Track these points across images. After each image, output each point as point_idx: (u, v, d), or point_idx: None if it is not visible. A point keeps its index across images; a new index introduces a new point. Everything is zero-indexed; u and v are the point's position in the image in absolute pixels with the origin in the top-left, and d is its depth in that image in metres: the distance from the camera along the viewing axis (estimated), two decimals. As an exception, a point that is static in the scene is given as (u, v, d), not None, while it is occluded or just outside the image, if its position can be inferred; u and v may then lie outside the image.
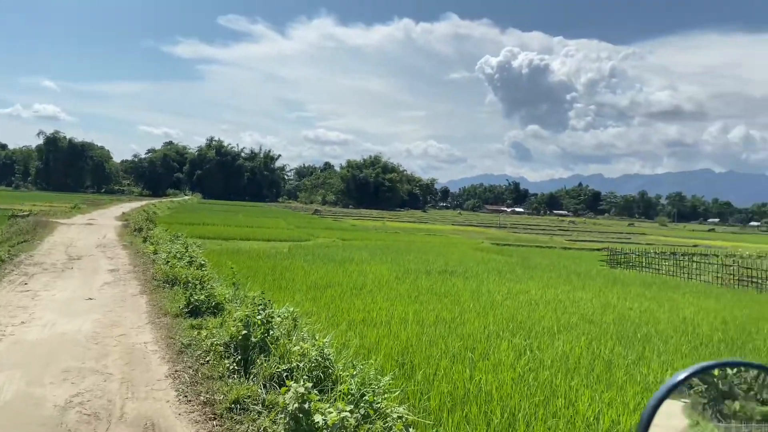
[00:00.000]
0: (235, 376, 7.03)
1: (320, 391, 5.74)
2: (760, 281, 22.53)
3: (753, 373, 1.69)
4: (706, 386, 1.68)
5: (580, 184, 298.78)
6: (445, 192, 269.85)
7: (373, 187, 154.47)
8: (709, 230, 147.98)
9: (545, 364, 8.10)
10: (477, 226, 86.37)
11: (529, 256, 31.54)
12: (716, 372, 1.69)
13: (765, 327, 12.61)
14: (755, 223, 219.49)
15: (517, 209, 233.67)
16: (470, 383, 6.84)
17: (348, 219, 76.76)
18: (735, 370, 1.71)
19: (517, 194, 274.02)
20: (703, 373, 1.67)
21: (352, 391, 5.59)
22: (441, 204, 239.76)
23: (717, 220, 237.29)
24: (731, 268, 24.61)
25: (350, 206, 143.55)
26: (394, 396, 5.76)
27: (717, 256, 33.36)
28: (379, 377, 6.02)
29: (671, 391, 1.63)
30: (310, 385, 5.23)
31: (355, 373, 6.11)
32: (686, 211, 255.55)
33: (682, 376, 1.63)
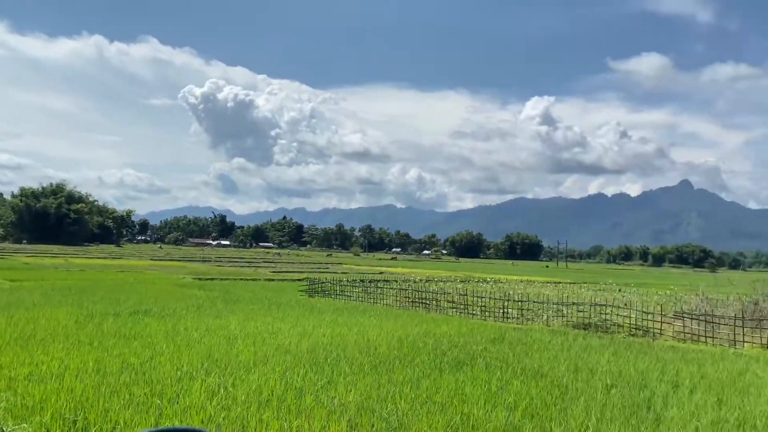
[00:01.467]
0: None
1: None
2: (428, 302, 26.55)
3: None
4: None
5: (284, 217, 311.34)
6: (145, 225, 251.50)
7: (55, 219, 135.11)
8: (392, 258, 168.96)
9: (238, 400, 8.04)
10: (179, 260, 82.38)
11: (232, 290, 31.31)
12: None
13: (430, 342, 14.78)
14: (427, 252, 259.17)
15: (224, 242, 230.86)
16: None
17: (20, 256, 65.42)
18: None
19: (223, 227, 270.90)
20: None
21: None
22: (139, 238, 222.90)
23: (399, 249, 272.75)
24: (406, 291, 28.49)
25: (24, 241, 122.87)
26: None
27: (396, 281, 38.22)
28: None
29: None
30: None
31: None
32: (375, 241, 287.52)
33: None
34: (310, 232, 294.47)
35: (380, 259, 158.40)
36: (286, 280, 47.05)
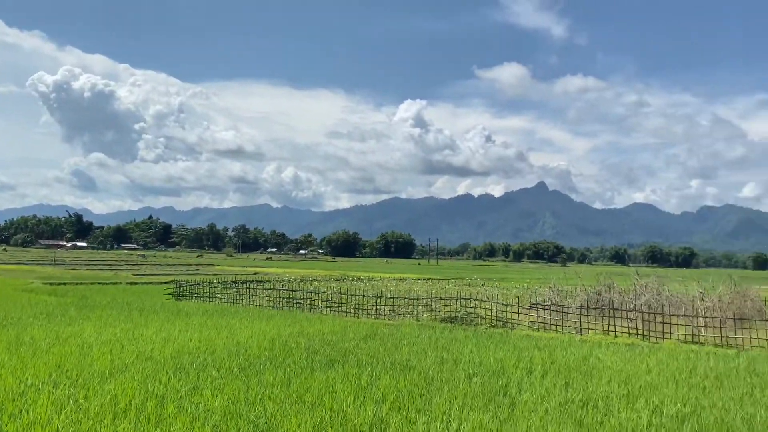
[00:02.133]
0: None
1: None
2: (302, 302, 26.42)
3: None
4: None
5: (150, 217, 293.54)
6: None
7: None
8: (267, 259, 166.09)
9: (90, 413, 7.47)
10: (27, 264, 74.71)
11: (89, 295, 28.99)
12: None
13: (302, 342, 14.72)
14: (303, 252, 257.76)
15: (80, 244, 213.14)
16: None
17: None
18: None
19: (79, 227, 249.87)
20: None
21: None
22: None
23: (275, 249, 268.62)
24: (280, 291, 28.12)
25: None
26: None
27: (270, 282, 37.57)
28: None
29: None
30: None
31: None
32: (249, 242, 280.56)
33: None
34: (179, 232, 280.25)
35: (255, 259, 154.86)
36: (151, 283, 44.43)
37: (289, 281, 38.12)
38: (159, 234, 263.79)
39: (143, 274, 57.16)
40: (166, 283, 40.34)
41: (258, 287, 29.95)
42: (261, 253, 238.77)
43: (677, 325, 19.08)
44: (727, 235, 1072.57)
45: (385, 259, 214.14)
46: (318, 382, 9.99)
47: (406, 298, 25.14)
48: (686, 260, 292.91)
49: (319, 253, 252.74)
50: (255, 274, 60.32)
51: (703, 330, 18.86)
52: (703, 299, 20.89)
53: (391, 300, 24.44)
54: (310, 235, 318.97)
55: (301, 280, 40.50)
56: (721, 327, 18.49)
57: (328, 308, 25.06)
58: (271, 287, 29.81)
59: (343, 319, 22.17)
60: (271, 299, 27.22)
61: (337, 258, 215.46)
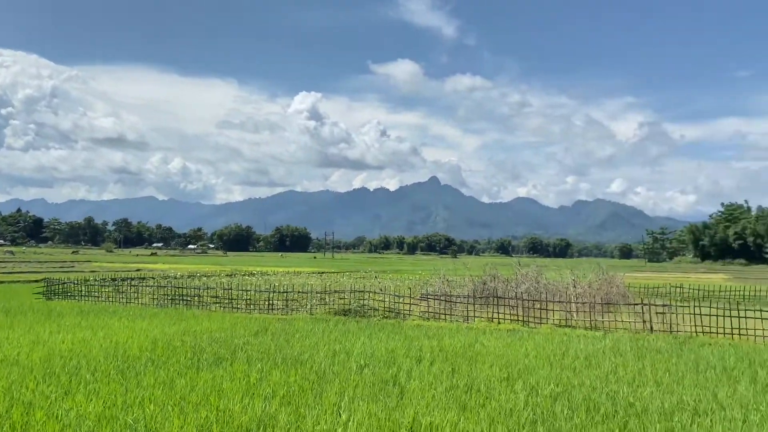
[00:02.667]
0: None
1: None
2: (189, 299, 25.32)
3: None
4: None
5: (19, 210, 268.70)
6: None
7: None
8: (152, 254, 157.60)
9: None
10: None
11: (-58, 297, 25.92)
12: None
13: (188, 341, 14.14)
14: (192, 246, 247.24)
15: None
16: None
17: None
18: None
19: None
20: None
21: None
22: None
23: (161, 244, 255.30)
24: (165, 288, 26.75)
25: None
26: None
27: (154, 278, 35.66)
28: None
29: None
30: None
31: None
32: (132, 236, 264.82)
33: None
34: (52, 226, 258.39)
35: (138, 255, 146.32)
36: (19, 282, 40.65)
37: (176, 277, 36.41)
38: (29, 228, 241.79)
39: (10, 272, 52.11)
40: (36, 281, 37.09)
41: (140, 284, 28.33)
42: (145, 248, 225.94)
43: (553, 310, 20.50)
44: (598, 227, 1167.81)
45: (280, 254, 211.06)
46: (204, 381, 9.65)
47: (299, 292, 24.90)
48: (563, 250, 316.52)
49: (209, 248, 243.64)
50: (138, 270, 57.02)
51: (575, 314, 20.42)
52: (575, 286, 22.59)
53: (285, 294, 24.11)
54: (199, 229, 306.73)
55: (189, 277, 38.85)
56: (590, 311, 20.11)
57: (217, 304, 24.26)
58: (156, 284, 28.32)
59: (233, 315, 21.56)
60: (155, 297, 25.85)
61: (228, 253, 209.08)
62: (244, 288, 25.79)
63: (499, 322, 20.19)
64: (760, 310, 18.26)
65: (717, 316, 17.96)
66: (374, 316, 21.37)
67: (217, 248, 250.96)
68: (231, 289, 25.57)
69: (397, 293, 23.39)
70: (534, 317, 20.20)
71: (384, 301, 22.40)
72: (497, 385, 10.05)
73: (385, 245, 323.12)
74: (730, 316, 17.80)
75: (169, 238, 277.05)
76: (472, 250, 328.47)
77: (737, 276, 71.90)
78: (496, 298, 21.53)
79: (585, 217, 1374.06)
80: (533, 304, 20.76)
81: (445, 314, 21.25)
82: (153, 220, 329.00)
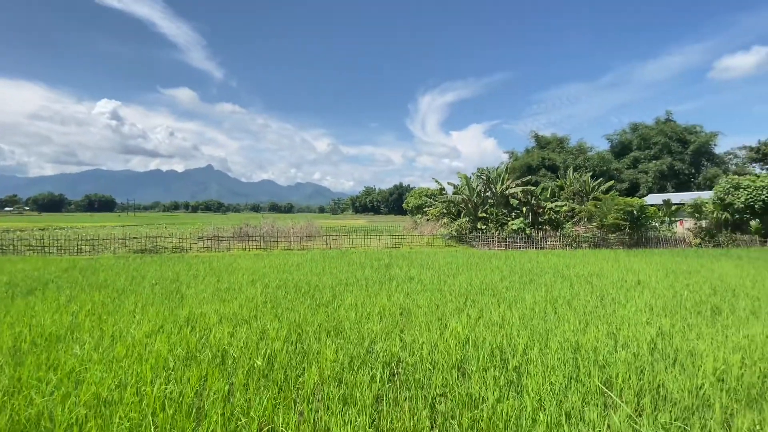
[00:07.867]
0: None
1: None
2: (4, 248, 20.18)
3: None
4: None
5: None
6: None
7: None
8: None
9: None
10: None
11: None
12: None
13: (3, 278, 11.66)
14: (9, 209, 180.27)
15: None
16: None
17: None
18: None
19: None
20: None
21: None
22: None
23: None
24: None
25: None
26: None
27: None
28: None
29: None
30: None
31: None
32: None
33: None
34: None
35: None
36: None
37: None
38: None
39: None
40: None
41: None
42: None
43: (279, 241, 22.70)
44: (308, 198, 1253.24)
45: (89, 214, 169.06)
46: (18, 306, 8.12)
47: (104, 239, 22.06)
48: (288, 210, 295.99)
49: (25, 210, 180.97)
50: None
51: (293, 243, 23.02)
52: (293, 228, 25.24)
53: (91, 241, 21.17)
54: (15, 195, 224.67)
55: (4, 231, 30.10)
56: (300, 240, 22.89)
57: (31, 251, 20.10)
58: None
59: (45, 258, 18.18)
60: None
61: (43, 213, 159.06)
62: (55, 238, 21.70)
63: (249, 250, 21.13)
64: (378, 237, 23.31)
65: (359, 238, 22.43)
66: (164, 252, 20.45)
67: (32, 210, 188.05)
68: (43, 239, 21.30)
69: (181, 237, 22.54)
70: (270, 246, 22.01)
71: (172, 242, 21.54)
72: (245, 285, 10.03)
73: (174, 207, 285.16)
74: (365, 238, 22.48)
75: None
76: (235, 210, 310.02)
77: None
78: (248, 237, 22.64)
79: (302, 192, 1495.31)
80: (270, 239, 22.55)
81: (215, 249, 21.35)
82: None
